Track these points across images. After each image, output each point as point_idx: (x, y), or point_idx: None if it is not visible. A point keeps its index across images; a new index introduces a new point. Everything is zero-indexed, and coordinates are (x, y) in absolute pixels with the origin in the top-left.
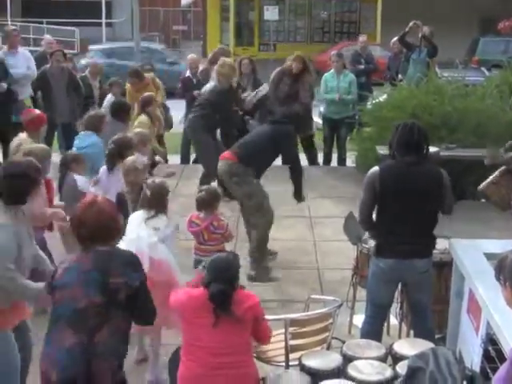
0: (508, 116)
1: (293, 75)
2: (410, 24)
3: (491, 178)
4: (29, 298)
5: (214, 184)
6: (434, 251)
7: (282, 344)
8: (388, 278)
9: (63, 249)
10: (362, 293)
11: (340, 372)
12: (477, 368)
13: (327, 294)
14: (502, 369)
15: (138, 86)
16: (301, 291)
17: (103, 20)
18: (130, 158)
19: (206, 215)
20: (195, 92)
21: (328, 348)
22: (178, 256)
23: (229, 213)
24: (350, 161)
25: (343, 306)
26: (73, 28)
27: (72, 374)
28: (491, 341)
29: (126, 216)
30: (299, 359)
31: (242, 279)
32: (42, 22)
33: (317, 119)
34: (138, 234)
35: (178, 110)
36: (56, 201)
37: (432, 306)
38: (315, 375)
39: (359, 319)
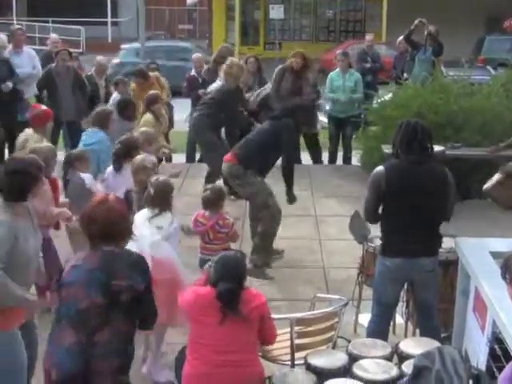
0: None
1: (294, 72)
2: (416, 22)
3: (497, 178)
4: (16, 304)
5: (220, 183)
6: (440, 250)
7: (288, 343)
8: (394, 276)
9: (70, 248)
10: (367, 292)
11: (346, 371)
12: (483, 367)
13: (333, 293)
14: (508, 368)
15: (143, 86)
16: (306, 290)
17: (109, 19)
18: (138, 157)
19: (212, 214)
20: (200, 91)
21: (334, 347)
22: (181, 255)
23: (234, 212)
24: (356, 159)
25: (349, 305)
26: (78, 27)
27: (70, 373)
28: (497, 339)
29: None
30: (305, 358)
31: None
32: (47, 21)
33: (322, 118)
34: (140, 232)
35: (185, 108)
36: (61, 199)
37: (438, 304)
38: (321, 374)
39: (365, 318)
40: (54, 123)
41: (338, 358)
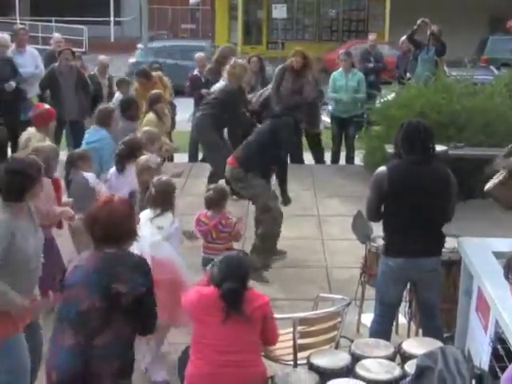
0: None
1: (294, 71)
2: (418, 21)
3: (498, 178)
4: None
5: (222, 182)
6: (443, 250)
7: (291, 343)
8: (397, 276)
9: (72, 247)
10: (370, 291)
11: (348, 371)
12: (485, 367)
13: (335, 293)
14: (511, 367)
15: (146, 85)
16: (309, 290)
17: (112, 18)
18: (143, 158)
19: (214, 214)
20: (203, 90)
21: (336, 347)
22: (184, 255)
23: (237, 212)
24: (358, 159)
25: (351, 305)
26: (81, 26)
27: (70, 374)
28: (500, 339)
29: None
30: (307, 358)
31: None
32: (50, 21)
33: (325, 118)
34: (141, 232)
35: (188, 108)
36: (64, 199)
37: (440, 304)
38: (323, 374)
39: (368, 318)
40: (56, 123)
41: (340, 358)
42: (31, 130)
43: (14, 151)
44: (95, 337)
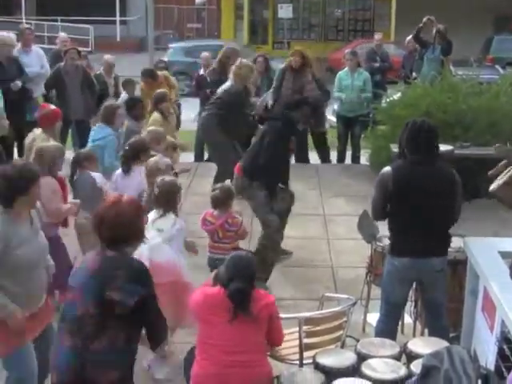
0: None
1: (294, 70)
2: (424, 19)
3: (503, 178)
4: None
5: (228, 182)
6: (449, 249)
7: (296, 342)
8: (403, 276)
9: (78, 246)
10: (376, 291)
11: (354, 370)
12: (491, 367)
13: (341, 292)
14: None
15: (152, 85)
16: (315, 289)
17: (117, 18)
18: (152, 159)
19: (221, 213)
20: (208, 90)
21: (342, 346)
22: (188, 255)
23: (243, 211)
24: (364, 159)
25: (357, 305)
26: (87, 26)
27: (69, 375)
28: (506, 339)
29: None
30: (313, 357)
31: None
32: (56, 20)
33: (330, 117)
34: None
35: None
36: (69, 199)
37: (446, 304)
38: (329, 373)
39: (373, 317)
40: (62, 122)
41: (346, 358)
42: (37, 131)
43: (20, 151)
44: (91, 341)
